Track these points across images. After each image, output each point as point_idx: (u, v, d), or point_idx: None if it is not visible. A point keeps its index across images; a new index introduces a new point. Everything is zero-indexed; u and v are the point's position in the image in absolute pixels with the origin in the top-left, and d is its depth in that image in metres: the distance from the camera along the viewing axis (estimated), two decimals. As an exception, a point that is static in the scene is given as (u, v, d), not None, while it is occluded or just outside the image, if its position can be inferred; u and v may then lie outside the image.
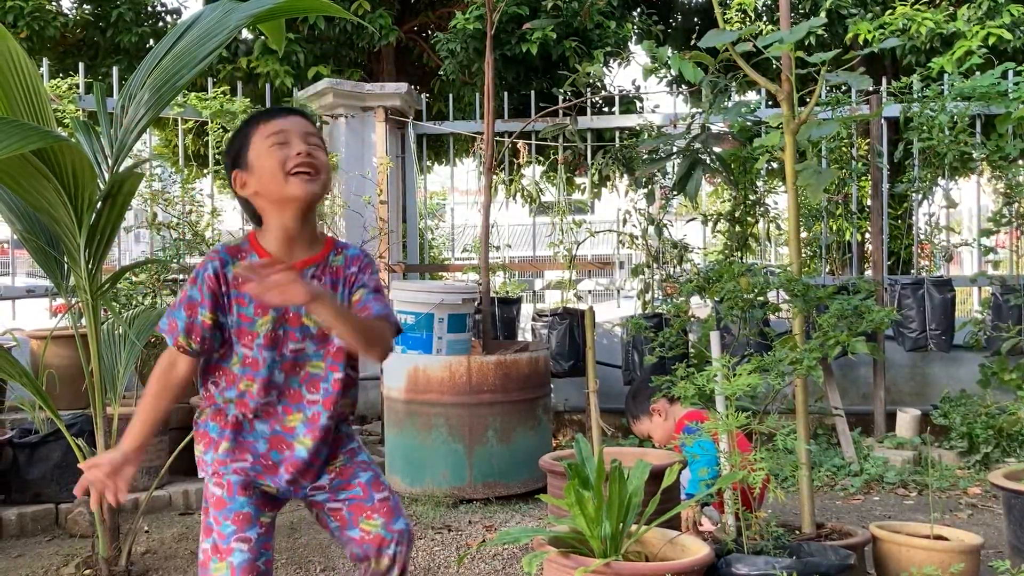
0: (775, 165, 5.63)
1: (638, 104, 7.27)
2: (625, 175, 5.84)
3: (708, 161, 4.68)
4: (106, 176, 3.02)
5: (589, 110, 6.17)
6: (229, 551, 1.99)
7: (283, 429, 2.05)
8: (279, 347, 2.02)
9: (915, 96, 5.29)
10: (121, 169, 3.02)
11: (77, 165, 2.77)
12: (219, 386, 2.06)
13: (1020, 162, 5.29)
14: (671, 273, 5.62)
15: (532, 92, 6.41)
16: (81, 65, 5.71)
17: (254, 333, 2.01)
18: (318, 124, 2.10)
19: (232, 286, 2.01)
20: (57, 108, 5.00)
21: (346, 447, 2.15)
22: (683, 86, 6.60)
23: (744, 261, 5.51)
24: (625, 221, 5.73)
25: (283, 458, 2.05)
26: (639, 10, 8.06)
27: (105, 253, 3.06)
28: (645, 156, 5.45)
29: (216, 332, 2.02)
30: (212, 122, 5.70)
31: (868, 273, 5.77)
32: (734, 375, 2.69)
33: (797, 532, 2.87)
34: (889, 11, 6.79)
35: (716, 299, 4.29)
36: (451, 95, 6.97)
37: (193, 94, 5.72)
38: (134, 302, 4.78)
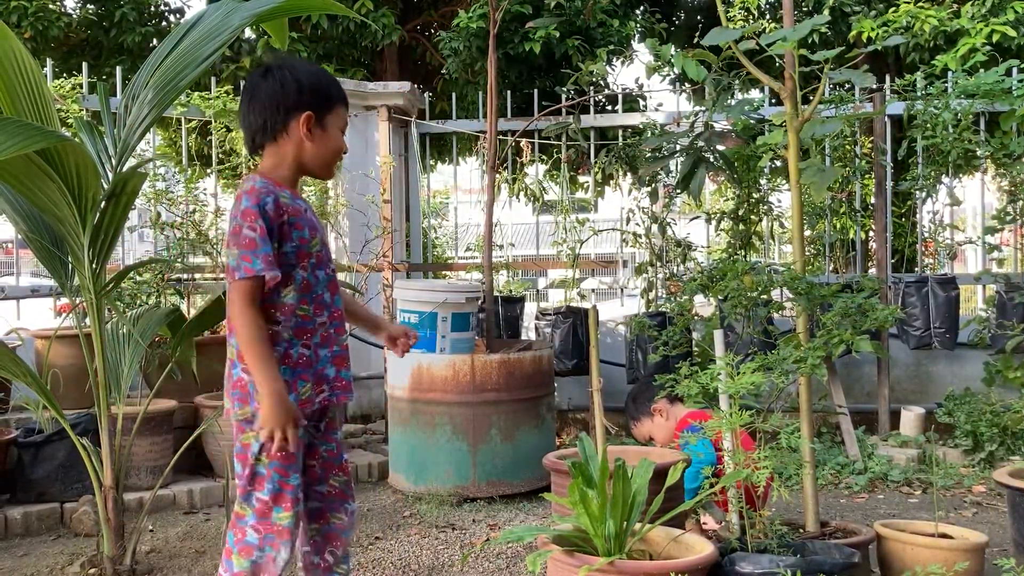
0: (778, 163, 5.62)
1: (641, 102, 7.26)
2: (628, 173, 5.83)
3: (711, 159, 4.67)
4: (110, 176, 3.02)
5: (592, 108, 6.16)
6: (296, 501, 2.17)
7: (340, 348, 2.24)
8: (325, 267, 2.23)
9: (919, 94, 5.28)
10: (125, 169, 3.03)
11: (81, 165, 2.77)
12: (279, 323, 2.16)
13: (1024, 159, 5.27)
14: (675, 271, 5.61)
15: (535, 91, 6.41)
16: (85, 65, 5.72)
17: (310, 254, 2.19)
18: None
19: (288, 212, 2.16)
20: (61, 108, 5.00)
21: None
22: (686, 84, 6.59)
23: (748, 259, 5.50)
24: (628, 220, 5.73)
25: (348, 375, 2.26)
26: (642, 8, 8.05)
27: (109, 253, 3.07)
28: (648, 154, 5.44)
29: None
30: (215, 121, 5.70)
31: (872, 271, 5.76)
32: (738, 373, 2.68)
33: (801, 530, 2.87)
34: (893, 8, 6.77)
35: (720, 297, 4.28)
36: (454, 94, 6.97)
37: (196, 94, 5.72)
38: (138, 301, 4.79)
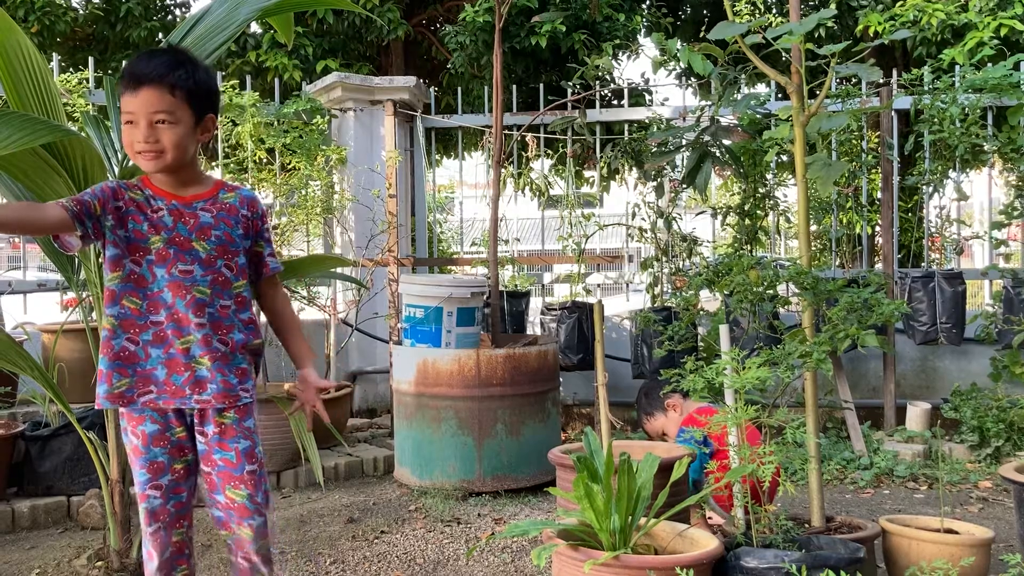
0: (785, 158, 5.61)
1: (647, 97, 7.25)
2: (634, 168, 5.82)
3: (717, 154, 4.67)
4: (116, 170, 3.03)
5: (598, 103, 6.15)
6: (144, 497, 2.20)
7: (177, 351, 2.13)
8: (168, 266, 2.13)
9: (926, 88, 5.27)
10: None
11: (87, 159, 2.78)
12: (109, 307, 2.13)
13: (1032, 154, 5.25)
14: (680, 266, 5.61)
15: (541, 85, 6.40)
16: (91, 59, 5.73)
17: (146, 249, 2.13)
18: (220, 95, 2.15)
19: (127, 204, 2.14)
20: (67, 102, 5.01)
21: (242, 401, 2.19)
22: (692, 79, 6.58)
23: (754, 254, 5.50)
24: (634, 214, 5.72)
25: (184, 379, 2.14)
26: (648, 3, 8.05)
27: (115, 247, 3.07)
28: (654, 149, 5.44)
29: (89, 217, 2.07)
30: (220, 116, 5.71)
31: (878, 266, 5.74)
32: (743, 368, 2.68)
33: (807, 525, 2.87)
34: (900, 2, 6.75)
35: (726, 292, 4.27)
36: (460, 88, 6.96)
37: (202, 88, 5.71)
38: (144, 296, 4.79)
